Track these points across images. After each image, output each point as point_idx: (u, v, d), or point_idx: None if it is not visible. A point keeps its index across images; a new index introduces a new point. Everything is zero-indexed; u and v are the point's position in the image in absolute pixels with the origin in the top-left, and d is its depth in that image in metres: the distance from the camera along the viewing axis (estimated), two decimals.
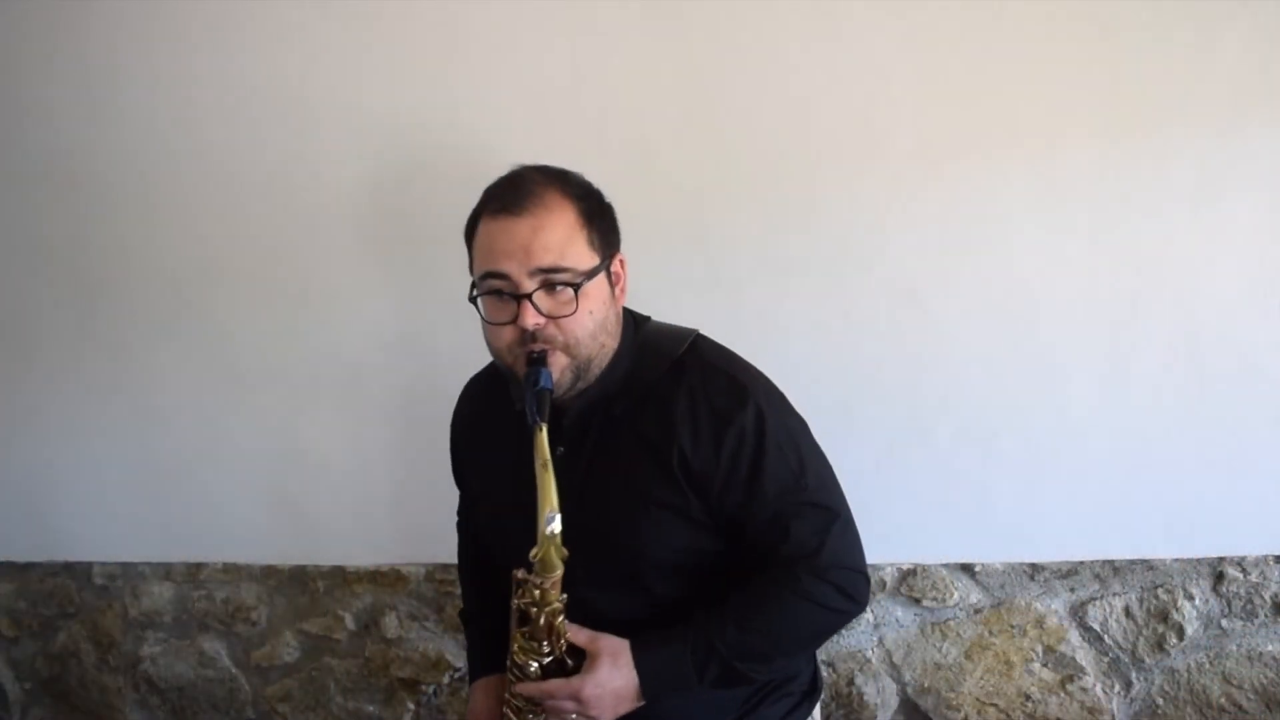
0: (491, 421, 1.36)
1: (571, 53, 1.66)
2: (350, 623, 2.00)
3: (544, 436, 1.11)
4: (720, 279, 1.69)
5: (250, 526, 1.99)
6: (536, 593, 1.15)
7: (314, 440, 1.92)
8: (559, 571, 1.13)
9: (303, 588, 2.01)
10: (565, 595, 1.16)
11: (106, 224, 1.89)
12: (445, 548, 1.59)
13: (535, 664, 1.20)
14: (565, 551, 1.12)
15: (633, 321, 1.30)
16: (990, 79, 1.57)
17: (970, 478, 1.71)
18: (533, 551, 1.12)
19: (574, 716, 1.19)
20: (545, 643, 1.19)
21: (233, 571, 2.03)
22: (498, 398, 1.31)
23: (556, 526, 1.10)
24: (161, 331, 1.92)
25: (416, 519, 1.89)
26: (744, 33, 1.60)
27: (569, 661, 1.20)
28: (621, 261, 1.25)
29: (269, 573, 2.02)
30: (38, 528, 2.09)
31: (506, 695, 1.27)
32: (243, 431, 1.94)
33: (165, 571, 2.06)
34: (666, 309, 1.35)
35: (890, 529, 1.73)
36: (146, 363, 1.94)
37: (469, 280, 1.21)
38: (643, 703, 1.18)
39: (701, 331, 1.30)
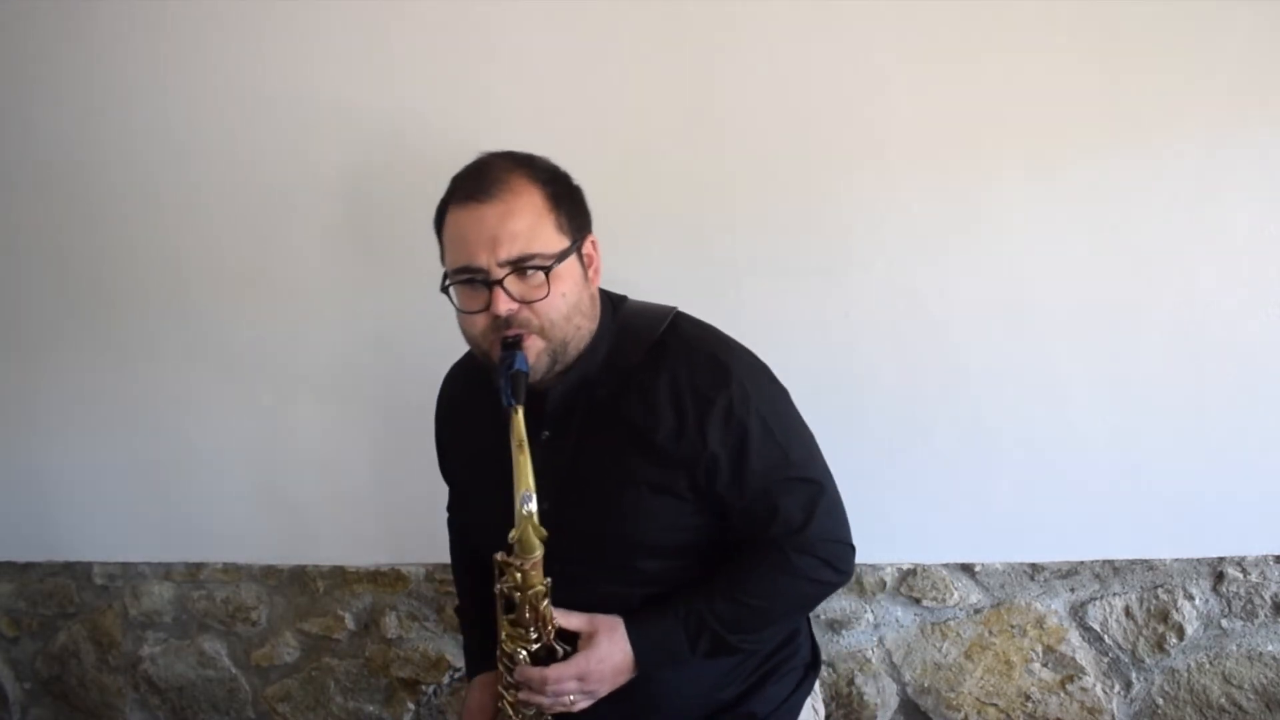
0: (473, 408, 1.35)
1: (570, 52, 1.65)
2: (350, 623, 2.00)
3: (520, 418, 1.11)
4: (720, 279, 1.68)
5: (250, 526, 1.99)
6: (518, 576, 1.14)
7: (314, 440, 1.92)
8: (538, 552, 1.13)
9: (303, 588, 2.01)
10: (549, 579, 1.15)
11: (107, 225, 1.89)
12: (445, 548, 1.59)
13: (524, 652, 1.19)
14: (544, 532, 1.12)
15: (610, 302, 1.29)
16: (990, 79, 1.56)
17: (970, 478, 1.71)
18: (511, 533, 1.12)
19: (571, 697, 1.19)
20: (533, 629, 1.18)
21: (233, 571, 2.03)
22: (478, 384, 1.29)
23: (533, 506, 1.10)
24: (161, 331, 1.92)
25: (416, 519, 1.88)
26: (743, 32, 1.60)
27: (558, 649, 1.20)
28: (594, 243, 1.25)
29: (269, 573, 2.02)
30: (38, 528, 2.09)
31: (500, 688, 1.27)
32: (243, 431, 1.94)
33: (165, 571, 2.06)
34: None
35: (890, 529, 1.73)
36: (146, 362, 1.94)
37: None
38: (636, 673, 1.21)
39: (680, 309, 1.30)
